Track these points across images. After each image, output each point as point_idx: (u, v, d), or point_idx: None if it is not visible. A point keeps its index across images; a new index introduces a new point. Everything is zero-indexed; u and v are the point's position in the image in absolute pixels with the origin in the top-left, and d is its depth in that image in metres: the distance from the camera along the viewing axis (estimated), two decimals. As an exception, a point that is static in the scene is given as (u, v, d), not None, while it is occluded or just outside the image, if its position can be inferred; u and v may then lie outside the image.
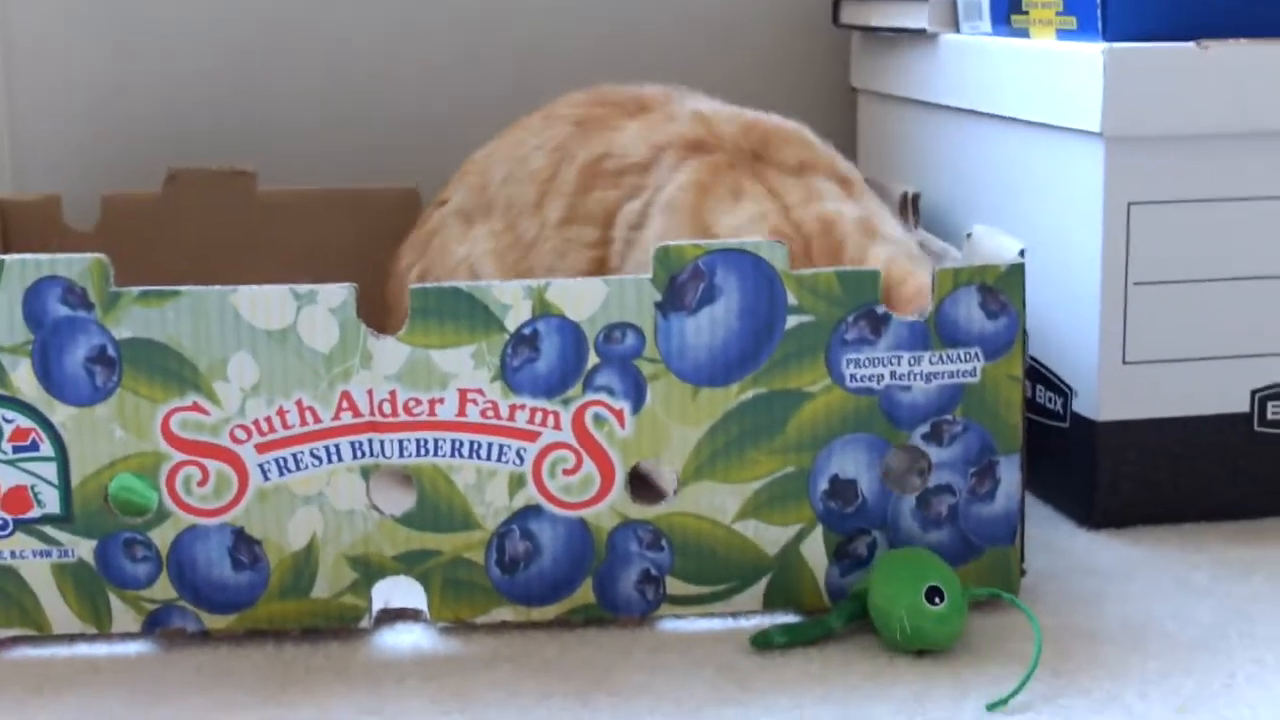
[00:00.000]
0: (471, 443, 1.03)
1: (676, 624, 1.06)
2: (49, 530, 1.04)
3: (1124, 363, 1.18)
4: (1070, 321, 1.21)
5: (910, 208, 1.29)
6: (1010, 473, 1.05)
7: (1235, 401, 1.20)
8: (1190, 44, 1.14)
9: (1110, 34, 1.17)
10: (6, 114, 1.60)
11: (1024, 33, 1.29)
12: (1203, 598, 1.08)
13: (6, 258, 1.01)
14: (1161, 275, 1.17)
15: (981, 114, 1.32)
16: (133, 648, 1.05)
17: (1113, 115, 1.13)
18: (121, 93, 1.61)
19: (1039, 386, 1.26)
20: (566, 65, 1.62)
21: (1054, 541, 1.20)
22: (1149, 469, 1.20)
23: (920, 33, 1.41)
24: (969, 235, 1.12)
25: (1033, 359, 1.27)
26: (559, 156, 1.27)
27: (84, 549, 1.04)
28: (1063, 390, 1.23)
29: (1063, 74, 1.18)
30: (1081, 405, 1.20)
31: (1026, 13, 1.28)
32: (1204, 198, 1.16)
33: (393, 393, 1.02)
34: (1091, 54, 1.14)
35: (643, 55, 1.64)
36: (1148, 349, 1.18)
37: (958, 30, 1.40)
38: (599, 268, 1.22)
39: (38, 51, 1.60)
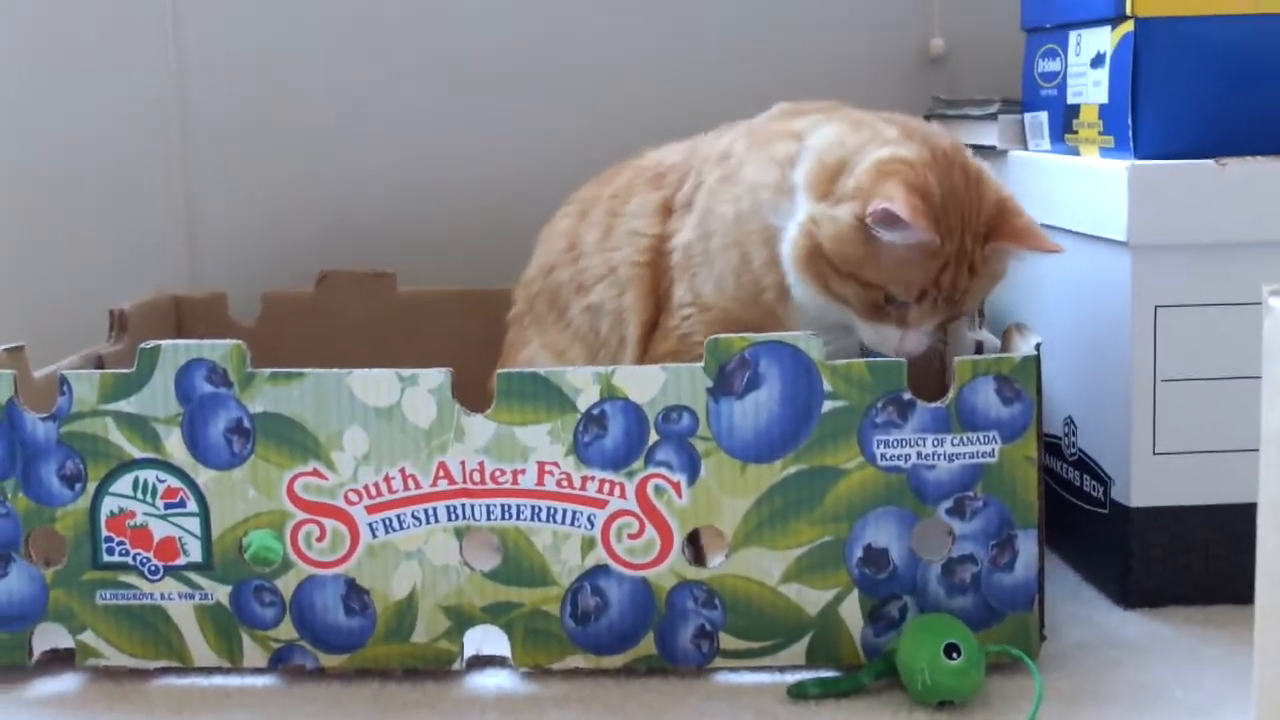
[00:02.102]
0: (549, 509, 1.18)
1: (728, 676, 1.19)
2: (192, 576, 1.21)
3: (1154, 453, 1.29)
4: (1108, 415, 1.32)
5: (976, 312, 1.41)
6: (1028, 545, 1.16)
7: (1263, 490, 1.29)
8: (1210, 161, 1.26)
9: (1141, 152, 1.29)
10: (185, 223, 1.81)
11: (1075, 150, 1.41)
12: (1212, 669, 1.18)
13: (163, 343, 1.19)
14: (1187, 373, 1.28)
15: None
16: (260, 680, 1.22)
17: (1138, 225, 1.25)
18: (282, 205, 1.80)
19: (1085, 475, 1.37)
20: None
21: (1090, 617, 1.30)
22: (1180, 552, 1.30)
23: (991, 149, 1.54)
24: (1006, 331, 1.25)
25: (1080, 449, 1.38)
26: (579, 215, 1.42)
27: (221, 593, 1.21)
28: (1103, 479, 1.34)
29: (1096, 188, 1.30)
30: (1118, 493, 1.31)
31: (1076, 132, 1.40)
32: (1225, 301, 1.26)
33: (481, 463, 1.17)
34: (1118, 170, 1.26)
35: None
36: (1176, 441, 1.28)
37: (1026, 147, 1.52)
38: (654, 255, 1.34)
39: (214, 170, 1.80)
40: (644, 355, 1.32)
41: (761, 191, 1.25)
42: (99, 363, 1.46)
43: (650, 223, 1.35)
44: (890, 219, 1.15)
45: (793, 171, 1.24)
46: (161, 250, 1.80)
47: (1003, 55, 1.64)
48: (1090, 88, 1.37)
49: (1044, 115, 1.47)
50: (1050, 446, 1.44)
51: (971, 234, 1.20)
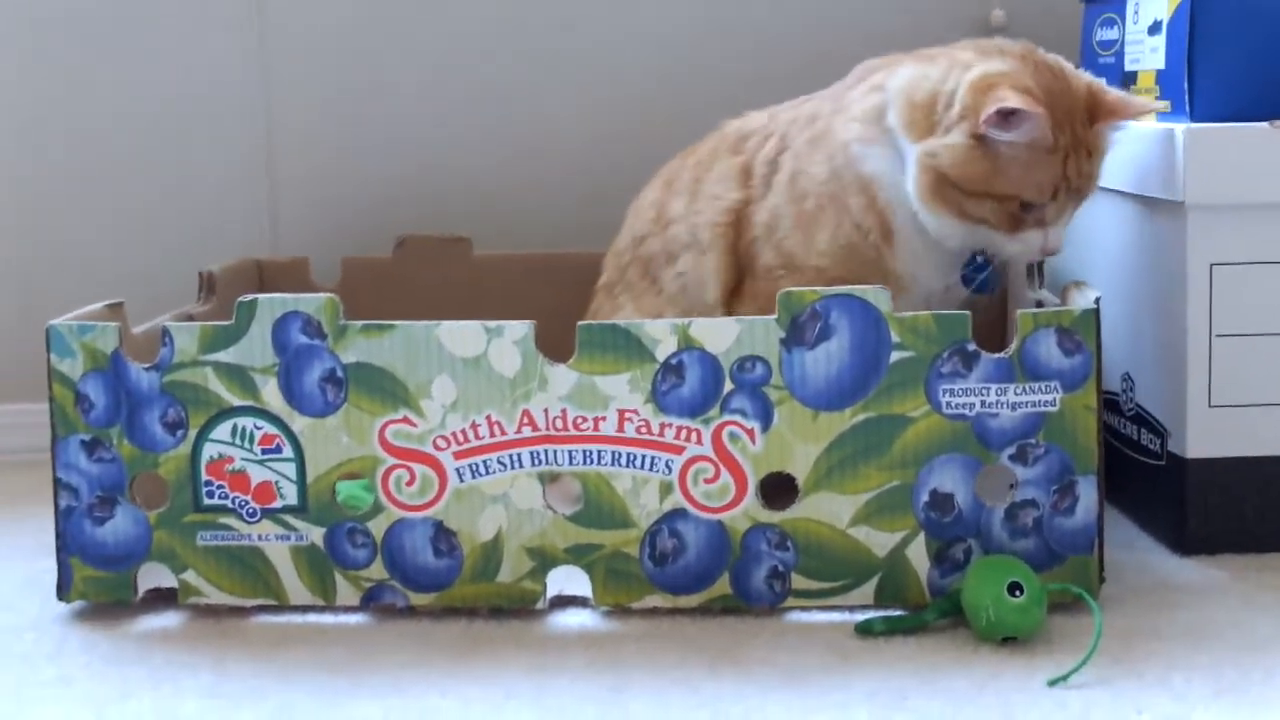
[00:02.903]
0: (628, 454, 1.24)
1: (799, 615, 1.25)
2: (288, 519, 1.27)
3: (1210, 406, 1.33)
4: (1165, 370, 1.37)
5: (1036, 271, 1.46)
6: (1088, 491, 1.21)
7: (1313, 442, 1.34)
8: (1264, 124, 1.30)
9: (1197, 115, 1.34)
10: (268, 191, 1.87)
11: (1133, 117, 1.45)
12: (1264, 612, 1.23)
13: (260, 296, 1.26)
14: (1242, 328, 1.32)
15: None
16: (353, 618, 1.28)
17: (1194, 186, 1.30)
18: (361, 172, 1.86)
19: (1141, 429, 1.42)
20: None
21: (1148, 564, 1.35)
22: (1235, 502, 1.35)
23: (1051, 117, 1.59)
24: (1064, 289, 1.30)
25: (1137, 404, 1.43)
26: (665, 186, 1.48)
27: (316, 535, 1.27)
28: (1159, 432, 1.38)
29: (1153, 151, 1.35)
30: (1175, 445, 1.36)
31: (1134, 98, 1.45)
32: (1279, 259, 1.31)
33: (564, 411, 1.23)
34: (1174, 133, 1.31)
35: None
36: (1231, 394, 1.33)
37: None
38: (735, 218, 1.40)
39: (294, 138, 1.86)
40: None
41: (853, 145, 1.31)
42: (190, 320, 1.53)
43: (730, 186, 1.41)
44: (1007, 116, 1.21)
45: (884, 120, 1.29)
46: (246, 217, 1.87)
47: (1063, 25, 1.68)
48: (1147, 54, 1.42)
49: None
50: (1108, 403, 1.49)
51: (1079, 120, 1.26)
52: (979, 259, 1.32)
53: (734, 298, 1.39)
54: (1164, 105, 1.30)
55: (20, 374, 1.82)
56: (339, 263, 1.77)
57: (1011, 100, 1.20)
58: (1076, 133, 1.26)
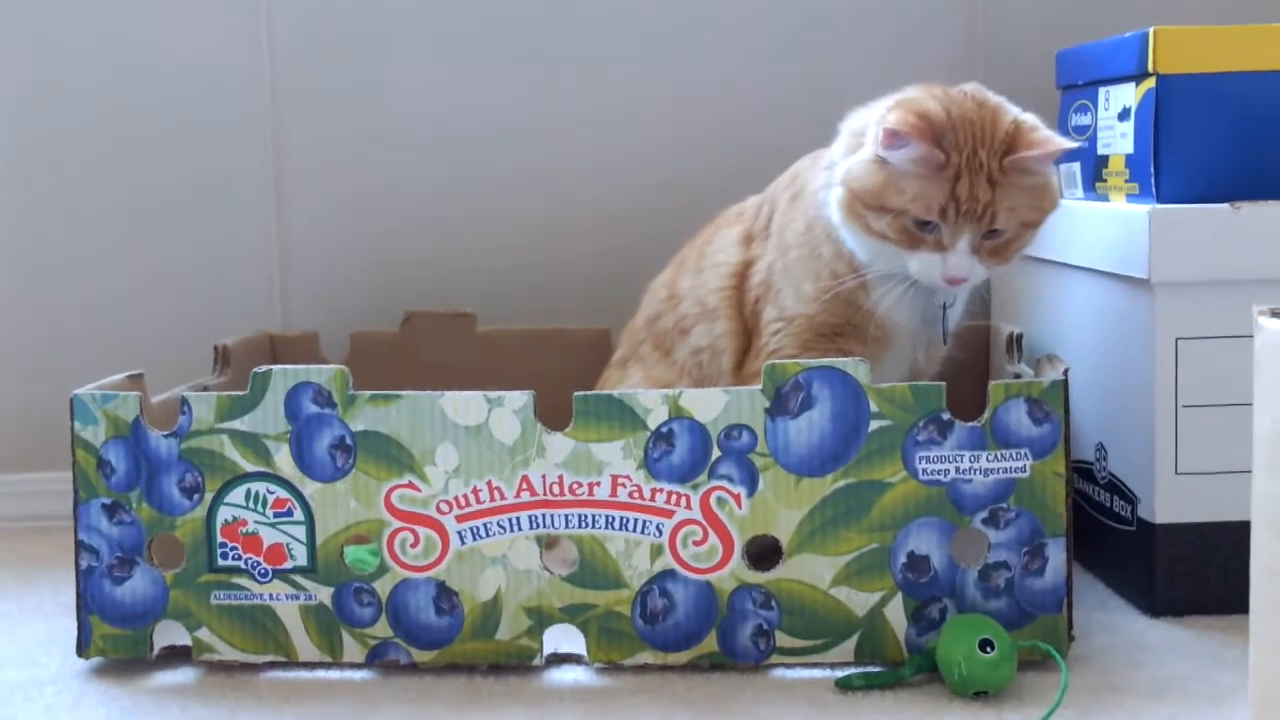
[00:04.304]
0: (621, 518, 1.30)
1: (783, 671, 1.31)
2: (298, 579, 1.34)
3: (1176, 474, 1.40)
4: (1134, 439, 1.43)
5: (1015, 346, 1.53)
6: (1057, 553, 1.28)
7: None
8: (1225, 205, 1.37)
9: (1163, 197, 1.41)
10: (279, 267, 1.95)
11: (1105, 197, 1.53)
12: (1226, 668, 1.29)
13: (274, 367, 1.33)
14: (1207, 399, 1.39)
15: (1070, 266, 1.56)
16: (358, 674, 1.34)
17: (1158, 264, 1.37)
18: (368, 251, 1.94)
19: (1114, 496, 1.48)
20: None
21: (1118, 625, 1.41)
22: (1202, 566, 1.41)
23: (1029, 199, 1.66)
24: (1037, 361, 1.37)
25: (1110, 472, 1.49)
26: (677, 266, 1.56)
27: (324, 595, 1.34)
28: (1130, 498, 1.45)
29: (1121, 231, 1.42)
30: (1144, 511, 1.42)
31: (1105, 180, 1.53)
32: (1240, 334, 1.38)
33: (560, 477, 1.30)
34: (1141, 214, 1.38)
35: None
36: (1197, 462, 1.39)
37: (1061, 196, 1.64)
38: (739, 280, 1.47)
39: (302, 218, 1.94)
40: (741, 380, 1.44)
41: (819, 193, 1.39)
42: (205, 391, 1.60)
43: (733, 252, 1.49)
44: (891, 136, 1.29)
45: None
46: (259, 294, 1.94)
47: (1042, 110, 1.76)
48: (1118, 139, 1.49)
49: (1077, 166, 1.60)
50: (1084, 471, 1.55)
51: (986, 149, 1.31)
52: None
53: (746, 358, 1.46)
54: (1071, 144, 1.34)
55: (36, 444, 1.90)
56: (348, 337, 1.84)
57: (893, 122, 1.29)
58: (979, 158, 1.31)
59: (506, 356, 1.82)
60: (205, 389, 1.59)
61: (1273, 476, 0.97)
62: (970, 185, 1.30)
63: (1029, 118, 1.36)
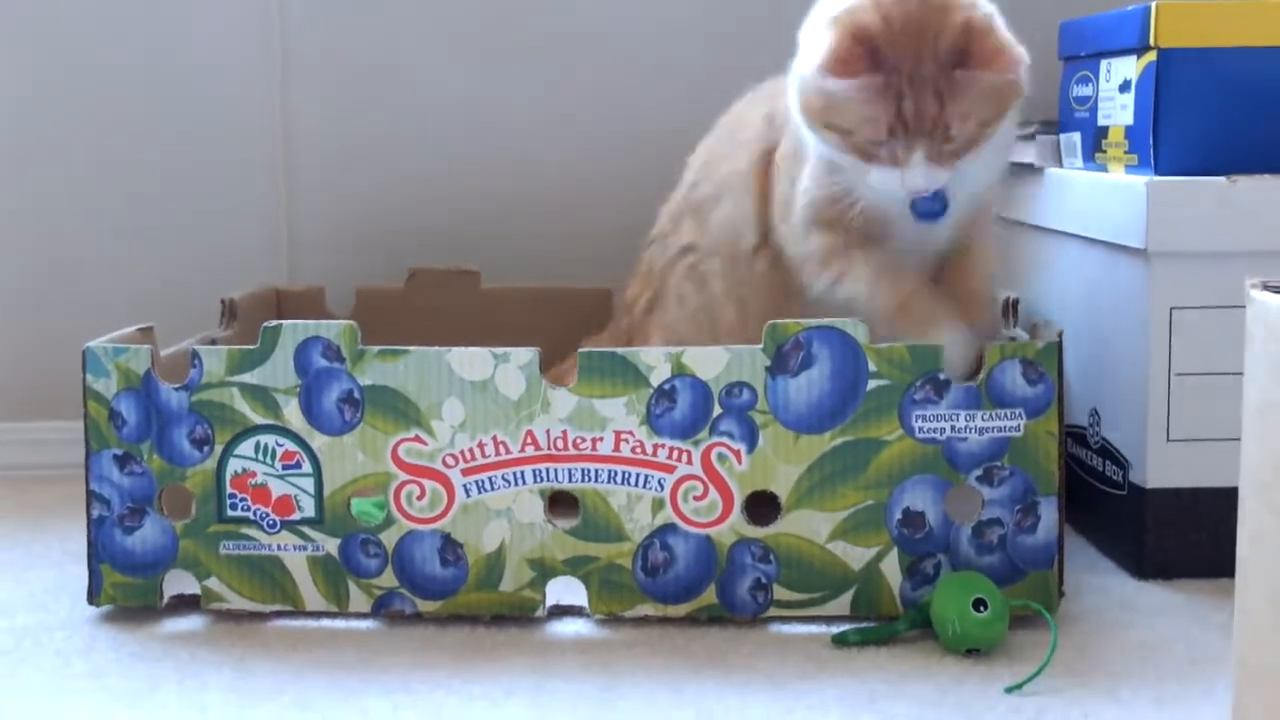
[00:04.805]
0: (623, 473, 1.33)
1: (780, 625, 1.34)
2: (306, 530, 1.36)
3: (1168, 440, 1.42)
4: (1128, 405, 1.46)
5: (1011, 310, 1.55)
6: (1049, 511, 1.31)
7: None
8: (1222, 178, 1.40)
9: (1161, 169, 1.44)
10: (286, 223, 1.97)
11: (1104, 168, 1.55)
12: (1212, 630, 1.31)
13: (284, 322, 1.35)
14: (1199, 367, 1.41)
15: (1068, 234, 1.59)
16: (363, 623, 1.37)
17: (1155, 235, 1.39)
18: (375, 207, 1.96)
19: (1106, 461, 1.51)
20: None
21: (1108, 587, 1.44)
22: (1191, 530, 1.44)
23: (1029, 166, 1.69)
24: (1033, 325, 1.39)
25: (1103, 438, 1.52)
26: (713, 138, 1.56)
27: (331, 545, 1.36)
28: (1122, 464, 1.48)
29: (1119, 201, 1.45)
30: (1135, 476, 1.45)
31: (1105, 151, 1.55)
32: (1233, 304, 1.40)
33: (564, 432, 1.33)
34: (1138, 184, 1.40)
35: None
36: (1187, 429, 1.42)
37: (1061, 165, 1.67)
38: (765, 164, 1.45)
39: (311, 174, 1.96)
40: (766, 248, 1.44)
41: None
42: (214, 344, 1.62)
43: (758, 134, 1.48)
44: (824, 70, 1.25)
45: None
46: (265, 248, 1.97)
47: (1044, 79, 1.78)
48: (1118, 111, 1.52)
49: (1077, 136, 1.62)
50: (1077, 436, 1.58)
51: (933, 61, 1.26)
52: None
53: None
54: (1026, 58, 1.27)
55: (41, 393, 1.93)
56: (353, 292, 1.86)
57: (826, 56, 1.24)
58: (923, 73, 1.26)
59: (509, 314, 1.85)
60: (213, 342, 1.62)
61: (1262, 445, 1.00)
62: (916, 102, 1.26)
63: (980, 16, 1.28)
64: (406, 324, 1.82)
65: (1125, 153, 1.50)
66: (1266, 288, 1.03)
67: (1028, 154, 1.70)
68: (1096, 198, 1.51)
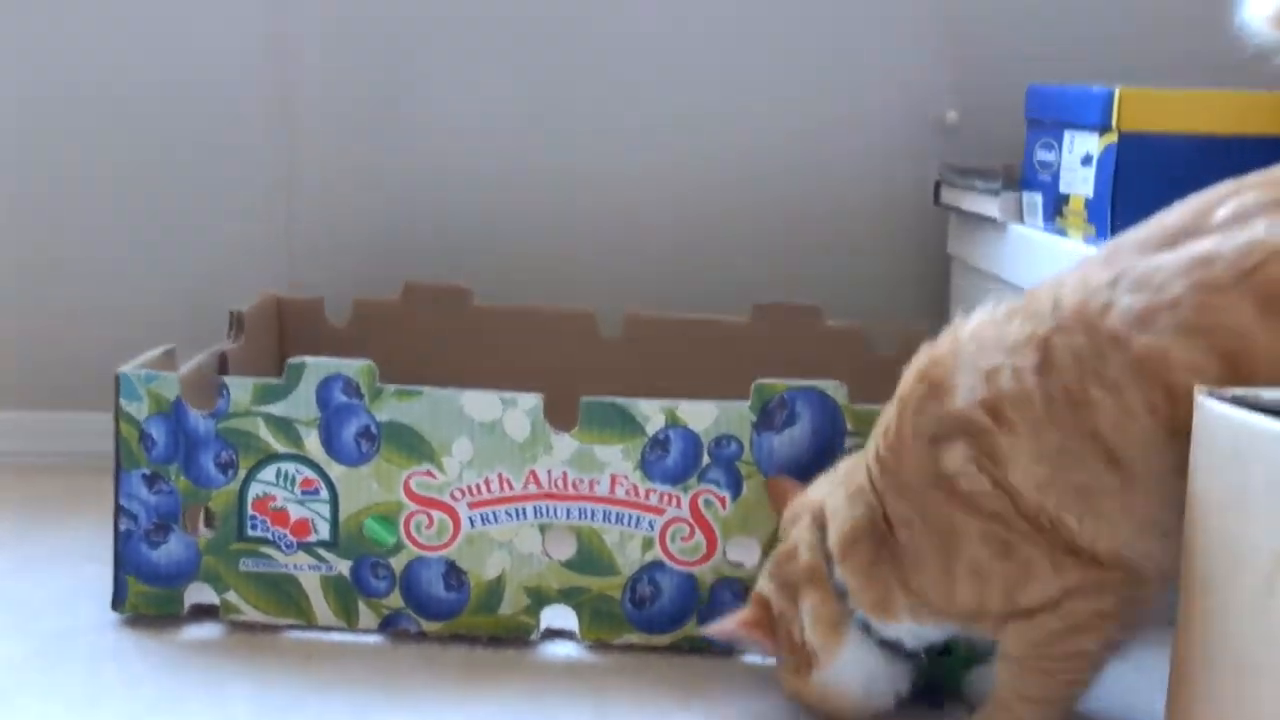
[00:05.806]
0: (617, 513, 1.45)
1: (754, 658, 1.46)
2: (320, 551, 1.47)
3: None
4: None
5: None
6: (1004, 565, 1.43)
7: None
8: (1172, 257, 1.52)
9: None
10: (286, 236, 2.06)
11: (1063, 232, 1.68)
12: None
13: (308, 359, 1.45)
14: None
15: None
16: (371, 639, 1.49)
17: (1109, 307, 1.51)
18: (373, 223, 2.05)
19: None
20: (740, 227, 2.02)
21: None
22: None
23: (993, 220, 1.81)
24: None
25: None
26: None
27: (343, 567, 1.48)
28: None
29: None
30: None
31: (1065, 217, 1.67)
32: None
33: (565, 473, 1.44)
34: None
35: (780, 228, 2.03)
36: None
37: (1022, 221, 1.79)
38: None
39: (313, 189, 2.05)
40: None
41: None
42: (223, 359, 1.71)
43: None
44: None
45: None
46: (266, 257, 2.05)
47: (1012, 125, 1.88)
48: (1079, 182, 1.64)
49: (1039, 197, 1.74)
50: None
51: None
52: None
53: None
54: None
55: (35, 382, 2.02)
56: (351, 303, 1.95)
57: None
58: None
59: (497, 331, 1.93)
60: (224, 355, 1.71)
61: (1205, 537, 1.12)
62: None
63: None
64: (401, 335, 1.91)
65: (1085, 222, 1.62)
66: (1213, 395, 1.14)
67: (991, 209, 1.82)
68: (1057, 260, 1.63)
